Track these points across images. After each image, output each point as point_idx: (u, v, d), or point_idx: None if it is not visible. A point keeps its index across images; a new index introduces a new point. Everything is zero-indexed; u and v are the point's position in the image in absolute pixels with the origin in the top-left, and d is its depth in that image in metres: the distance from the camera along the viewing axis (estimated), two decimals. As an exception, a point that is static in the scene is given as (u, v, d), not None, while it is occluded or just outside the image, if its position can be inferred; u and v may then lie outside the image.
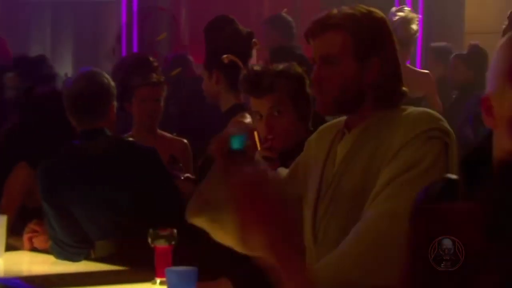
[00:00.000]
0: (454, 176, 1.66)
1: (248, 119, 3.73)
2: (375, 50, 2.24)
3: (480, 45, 5.83)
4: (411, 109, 2.23)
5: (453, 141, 2.14)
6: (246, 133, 2.24)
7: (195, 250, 2.87)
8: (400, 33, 4.83)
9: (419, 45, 6.87)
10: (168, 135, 4.15)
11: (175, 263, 2.70)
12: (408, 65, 5.09)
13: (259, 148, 2.82)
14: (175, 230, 2.75)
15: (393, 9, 5.27)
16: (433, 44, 6.61)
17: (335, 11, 2.28)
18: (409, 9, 5.24)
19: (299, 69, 2.89)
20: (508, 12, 4.73)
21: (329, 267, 2.06)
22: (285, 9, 7.39)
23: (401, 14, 5.11)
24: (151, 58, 4.05)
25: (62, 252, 3.25)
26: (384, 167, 2.13)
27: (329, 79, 2.24)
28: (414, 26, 5.08)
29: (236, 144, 2.16)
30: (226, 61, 3.53)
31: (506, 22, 4.62)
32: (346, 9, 2.27)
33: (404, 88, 2.30)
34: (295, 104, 2.84)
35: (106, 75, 3.45)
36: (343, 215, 2.22)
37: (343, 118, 2.40)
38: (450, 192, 1.65)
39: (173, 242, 2.75)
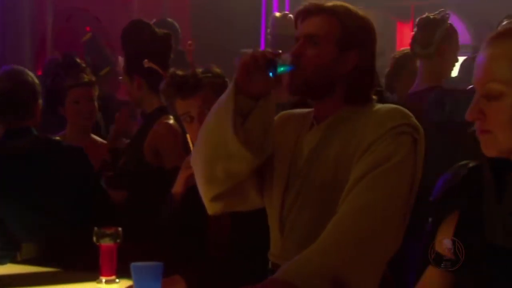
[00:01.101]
0: (475, 163, 1.77)
1: (171, 121, 3.75)
2: (356, 44, 2.33)
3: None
4: (381, 105, 2.33)
5: (421, 136, 2.25)
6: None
7: (143, 248, 2.85)
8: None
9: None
10: (99, 139, 4.13)
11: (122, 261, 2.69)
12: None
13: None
14: (120, 229, 2.73)
15: (277, 14, 5.34)
16: None
17: (330, 1, 2.37)
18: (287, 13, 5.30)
19: (217, 69, 2.98)
20: None
21: (312, 260, 2.09)
22: (154, 20, 7.43)
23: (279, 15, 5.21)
24: (78, 59, 4.00)
25: None
26: (356, 161, 2.21)
27: (307, 57, 2.30)
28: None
29: (281, 68, 2.24)
30: (145, 65, 3.54)
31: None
32: (340, 2, 2.38)
33: (378, 88, 2.41)
34: None
35: (30, 73, 3.38)
36: (312, 206, 2.28)
37: (307, 110, 2.47)
38: (475, 176, 1.75)
39: (118, 240, 2.72)
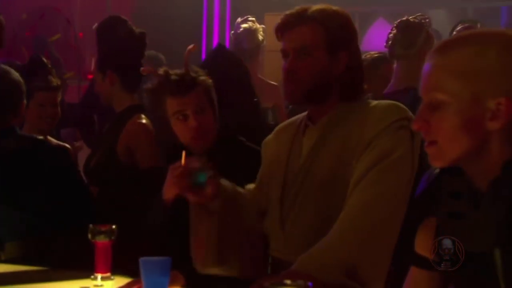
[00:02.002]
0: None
1: (144, 120, 3.76)
2: (344, 44, 2.42)
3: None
4: (377, 101, 2.42)
5: None
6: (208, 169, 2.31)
7: (138, 246, 2.87)
8: (246, 44, 5.02)
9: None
10: (54, 140, 4.09)
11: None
12: (260, 76, 5.28)
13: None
14: (114, 226, 2.75)
15: (239, 19, 5.45)
16: None
17: (305, 7, 2.44)
18: (253, 19, 5.40)
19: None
20: None
21: (327, 252, 2.18)
22: (96, 24, 7.39)
23: (245, 25, 5.27)
24: (45, 60, 3.96)
25: None
26: (358, 156, 2.30)
27: (302, 70, 2.39)
28: (260, 37, 5.27)
29: (201, 178, 2.26)
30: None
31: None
32: (316, 6, 2.44)
33: (364, 85, 2.51)
34: (211, 102, 2.95)
35: (15, 73, 3.35)
36: (313, 202, 2.36)
37: (299, 116, 2.55)
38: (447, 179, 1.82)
39: (112, 238, 2.74)
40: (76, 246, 3.06)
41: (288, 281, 1.60)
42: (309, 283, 1.59)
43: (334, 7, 2.47)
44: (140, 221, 2.95)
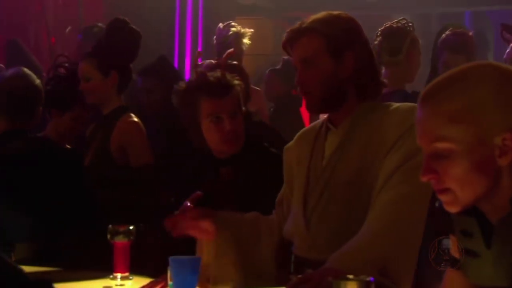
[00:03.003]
0: None
1: (135, 118, 3.81)
2: (347, 46, 2.47)
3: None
4: (398, 104, 2.50)
5: None
6: None
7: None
8: (234, 48, 5.09)
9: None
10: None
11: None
12: (243, 80, 5.34)
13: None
14: (132, 227, 2.79)
15: (220, 25, 5.51)
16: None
17: (304, 20, 2.52)
18: (236, 24, 5.49)
19: (244, 71, 3.05)
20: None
21: (360, 250, 2.24)
22: (69, 28, 7.39)
23: (234, 29, 5.36)
24: None
25: None
26: (383, 157, 2.37)
27: (309, 80, 2.47)
28: (247, 41, 5.36)
29: None
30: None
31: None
32: (314, 15, 2.52)
33: (382, 79, 2.58)
34: (241, 107, 2.96)
35: (36, 78, 3.47)
36: (338, 203, 2.44)
37: (319, 120, 2.62)
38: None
39: (131, 238, 2.79)
40: (86, 247, 3.10)
41: (351, 276, 1.65)
42: (371, 278, 1.64)
43: (335, 12, 2.53)
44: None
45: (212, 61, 3.83)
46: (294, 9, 8.57)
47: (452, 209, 1.76)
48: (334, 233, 2.41)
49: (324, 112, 2.58)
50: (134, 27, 3.87)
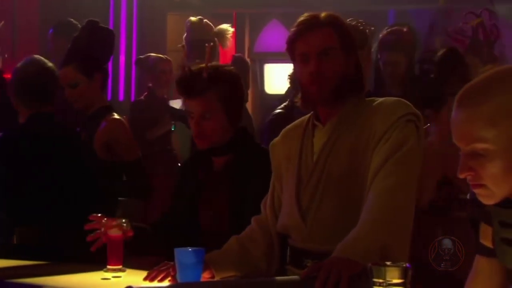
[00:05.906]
0: None
1: (119, 117, 3.87)
2: (354, 47, 2.64)
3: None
4: (382, 99, 2.64)
5: (422, 124, 2.57)
6: None
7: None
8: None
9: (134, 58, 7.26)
10: None
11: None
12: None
13: None
14: (126, 220, 2.84)
15: (192, 19, 5.56)
16: (141, 57, 6.61)
17: (315, 14, 2.63)
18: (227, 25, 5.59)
19: (233, 70, 3.07)
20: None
21: (363, 238, 2.35)
22: (2, 22, 7.27)
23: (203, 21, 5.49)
24: None
25: None
26: (372, 149, 2.50)
27: (328, 70, 2.56)
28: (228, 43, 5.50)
29: None
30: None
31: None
32: (324, 12, 2.64)
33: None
34: (226, 106, 2.98)
35: (49, 62, 3.55)
36: (333, 196, 2.56)
37: (303, 118, 2.73)
38: None
39: (124, 231, 2.83)
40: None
41: (388, 262, 1.76)
42: (408, 264, 1.75)
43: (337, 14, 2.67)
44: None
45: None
46: (223, 6, 8.66)
47: (488, 202, 1.87)
48: (331, 224, 2.53)
49: (332, 103, 2.61)
50: (105, 26, 3.93)
